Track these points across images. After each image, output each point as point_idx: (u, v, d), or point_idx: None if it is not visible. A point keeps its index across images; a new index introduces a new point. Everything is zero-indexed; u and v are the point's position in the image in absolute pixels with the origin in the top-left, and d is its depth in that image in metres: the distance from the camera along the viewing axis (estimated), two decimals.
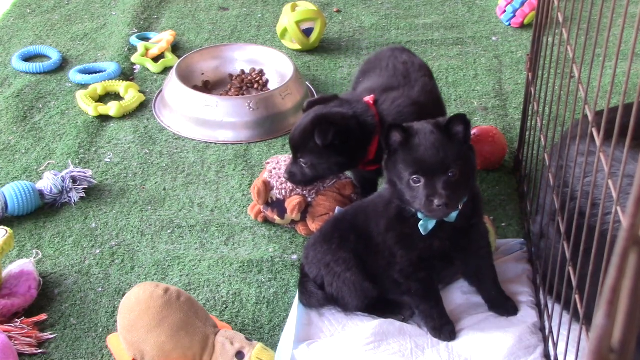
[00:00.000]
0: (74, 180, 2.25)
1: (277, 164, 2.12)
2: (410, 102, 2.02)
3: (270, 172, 2.11)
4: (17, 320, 1.82)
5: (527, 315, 1.80)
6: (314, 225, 2.05)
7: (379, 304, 1.82)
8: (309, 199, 2.08)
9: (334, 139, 1.91)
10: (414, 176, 1.63)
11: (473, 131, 2.34)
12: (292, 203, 2.06)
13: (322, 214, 2.06)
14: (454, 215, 1.66)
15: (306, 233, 2.09)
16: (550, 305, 1.69)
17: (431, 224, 1.66)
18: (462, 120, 1.66)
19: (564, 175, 1.72)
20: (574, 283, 1.50)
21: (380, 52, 2.29)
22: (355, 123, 1.95)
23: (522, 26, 3.11)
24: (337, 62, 2.93)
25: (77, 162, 2.39)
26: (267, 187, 2.09)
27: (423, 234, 1.67)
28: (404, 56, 2.21)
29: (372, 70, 2.19)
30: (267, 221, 2.16)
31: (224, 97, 2.60)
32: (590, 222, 1.46)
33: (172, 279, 1.98)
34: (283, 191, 2.07)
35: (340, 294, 1.81)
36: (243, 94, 2.71)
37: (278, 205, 2.09)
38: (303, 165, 1.98)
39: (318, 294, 1.82)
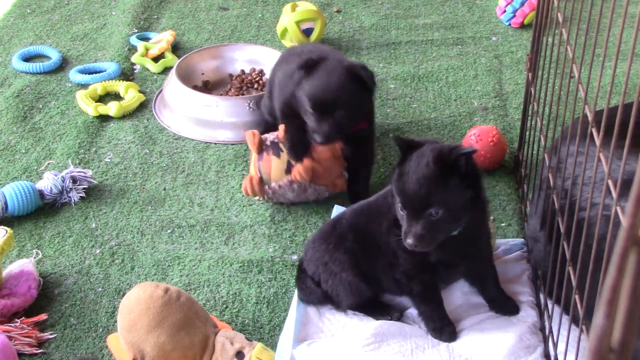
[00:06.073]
0: (74, 180, 2.25)
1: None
2: None
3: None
4: (17, 320, 1.83)
5: (527, 315, 1.80)
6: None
7: (370, 304, 1.83)
8: None
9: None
10: (399, 204, 1.59)
11: (473, 131, 2.34)
12: None
13: (324, 157, 2.14)
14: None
15: (305, 176, 2.11)
16: (550, 305, 1.69)
17: None
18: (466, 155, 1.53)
19: (563, 176, 1.72)
20: (574, 283, 1.50)
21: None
22: None
23: (522, 26, 3.11)
24: None
25: (77, 162, 2.39)
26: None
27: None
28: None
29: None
30: (267, 220, 2.16)
31: (224, 97, 2.60)
32: (589, 223, 1.46)
33: (172, 279, 1.98)
34: (276, 133, 2.19)
35: (334, 291, 1.81)
36: (243, 94, 2.71)
37: (273, 147, 2.16)
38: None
39: (318, 291, 1.83)
